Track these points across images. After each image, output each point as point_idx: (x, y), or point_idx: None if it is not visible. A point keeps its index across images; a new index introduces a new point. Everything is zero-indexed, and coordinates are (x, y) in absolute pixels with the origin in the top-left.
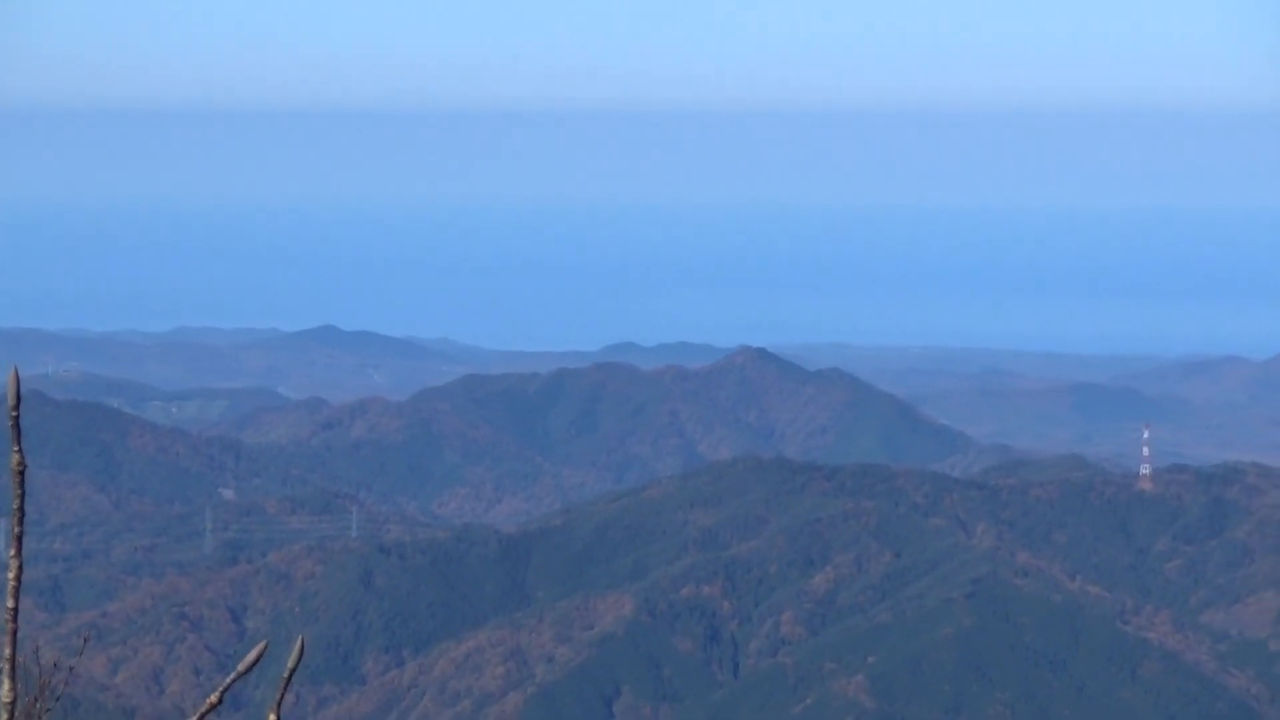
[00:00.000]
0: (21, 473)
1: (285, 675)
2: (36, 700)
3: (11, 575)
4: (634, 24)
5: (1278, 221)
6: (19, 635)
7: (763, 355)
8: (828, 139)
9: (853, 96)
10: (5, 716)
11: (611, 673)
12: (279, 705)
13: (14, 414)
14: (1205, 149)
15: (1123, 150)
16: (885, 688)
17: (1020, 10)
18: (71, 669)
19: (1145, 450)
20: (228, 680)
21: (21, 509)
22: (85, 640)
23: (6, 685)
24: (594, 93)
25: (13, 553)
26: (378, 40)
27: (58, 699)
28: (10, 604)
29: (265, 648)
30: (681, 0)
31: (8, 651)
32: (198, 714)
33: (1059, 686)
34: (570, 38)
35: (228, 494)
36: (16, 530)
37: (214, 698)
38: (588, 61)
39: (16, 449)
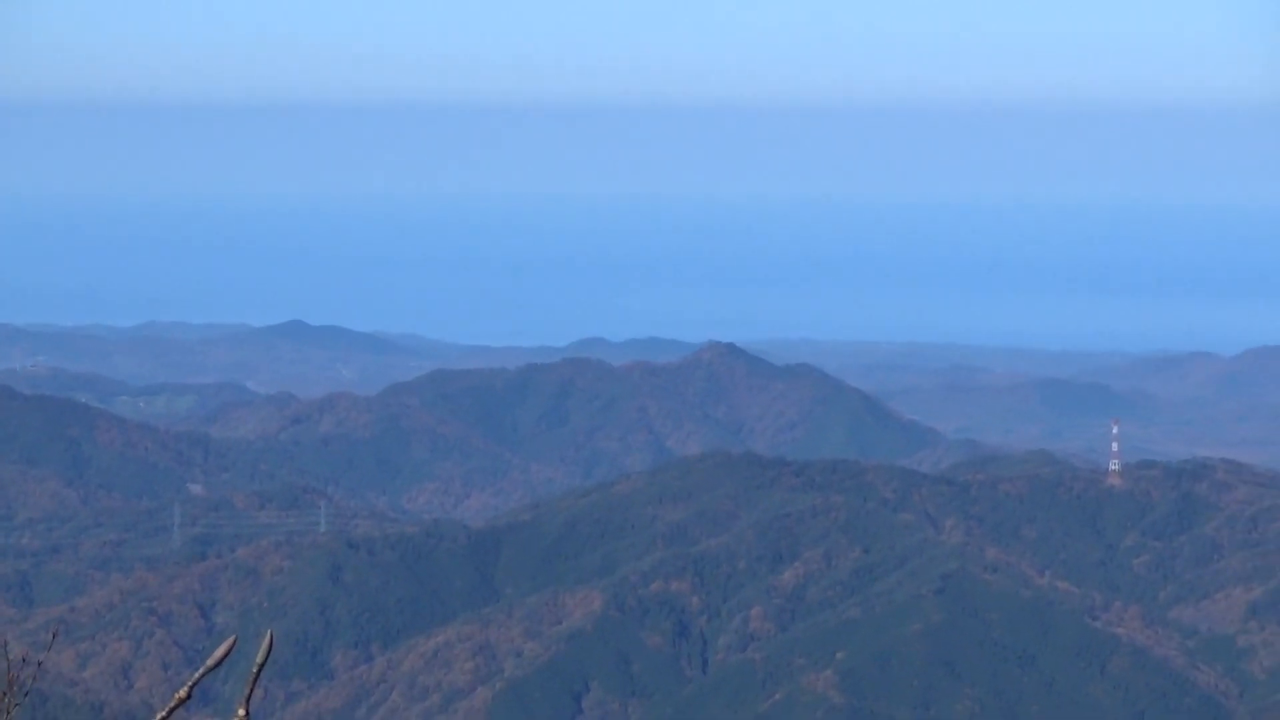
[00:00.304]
0: None
1: (254, 670)
2: (5, 695)
3: None
4: (601, 19)
5: (1245, 218)
6: None
7: (731, 350)
8: (798, 135)
9: (822, 91)
10: None
11: (580, 668)
12: (248, 700)
13: None
14: (1176, 145)
15: (1091, 146)
16: (854, 683)
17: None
18: (40, 664)
19: (1114, 446)
20: (197, 675)
21: None
22: (54, 635)
23: None
24: (563, 88)
25: None
26: (343, 35)
27: (26, 694)
28: None
29: (234, 643)
30: None
31: None
32: (166, 709)
33: (1028, 682)
34: (539, 32)
35: (196, 489)
36: None
37: (183, 692)
38: (554, 56)
39: None
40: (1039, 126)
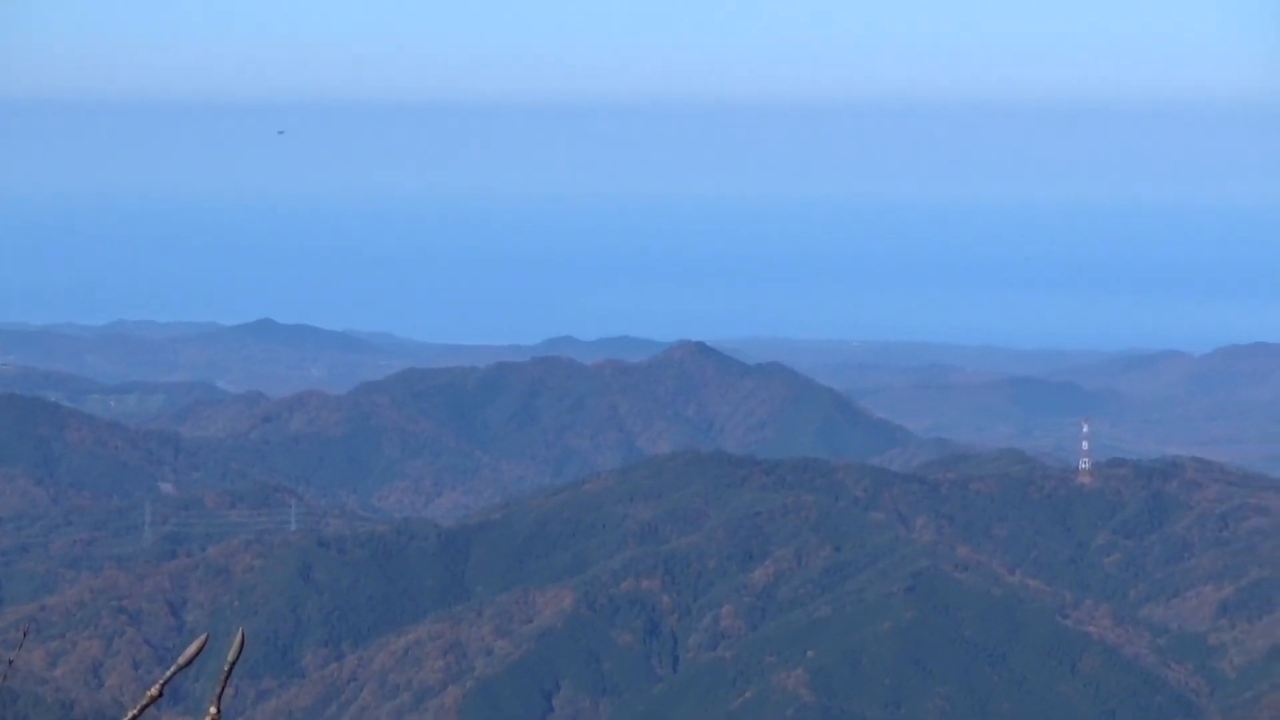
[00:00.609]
0: None
1: (225, 668)
2: None
3: None
4: (573, 16)
5: (1216, 217)
6: None
7: (702, 349)
8: (770, 134)
9: (791, 90)
10: None
11: (551, 666)
12: (219, 698)
13: None
14: (1152, 145)
15: (1062, 145)
16: (825, 681)
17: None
18: (10, 662)
19: (1085, 444)
20: (168, 673)
21: None
22: (24, 634)
23: None
24: (531, 86)
25: None
26: (309, 32)
27: None
28: None
29: (206, 641)
30: None
31: None
32: (138, 707)
33: (999, 680)
34: (509, 30)
35: (166, 488)
36: None
37: (154, 690)
38: (526, 54)
39: None
40: (1012, 125)
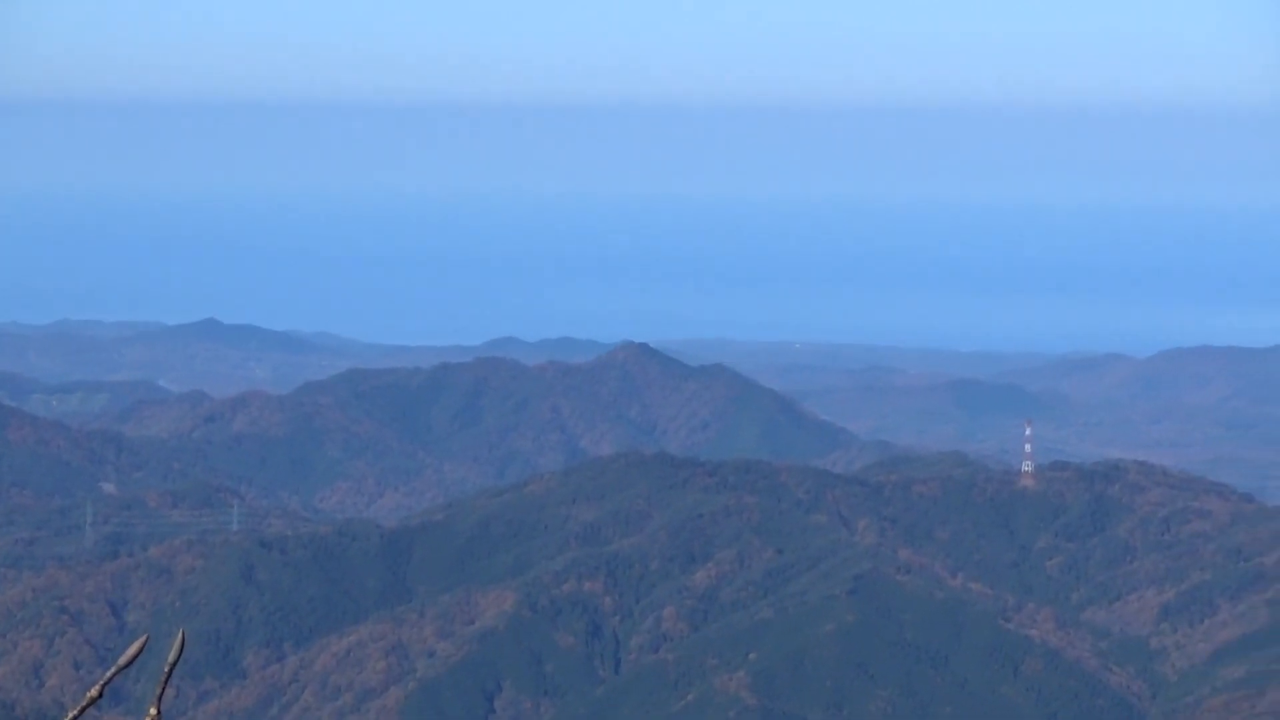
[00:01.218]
0: None
1: (166, 669)
2: None
3: None
4: (515, 18)
5: (1159, 220)
6: None
7: (645, 351)
8: (714, 134)
9: (740, 90)
10: None
11: (493, 668)
12: (159, 699)
13: None
14: (1092, 147)
15: (1007, 147)
16: (767, 684)
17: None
18: None
19: (1027, 447)
20: (108, 674)
21: None
22: None
23: None
24: (478, 85)
25: None
26: (255, 31)
27: None
28: None
29: (146, 641)
30: None
31: None
32: (78, 708)
33: (940, 683)
34: (456, 30)
35: (108, 487)
36: None
37: (94, 691)
38: (466, 53)
39: None
40: (956, 128)
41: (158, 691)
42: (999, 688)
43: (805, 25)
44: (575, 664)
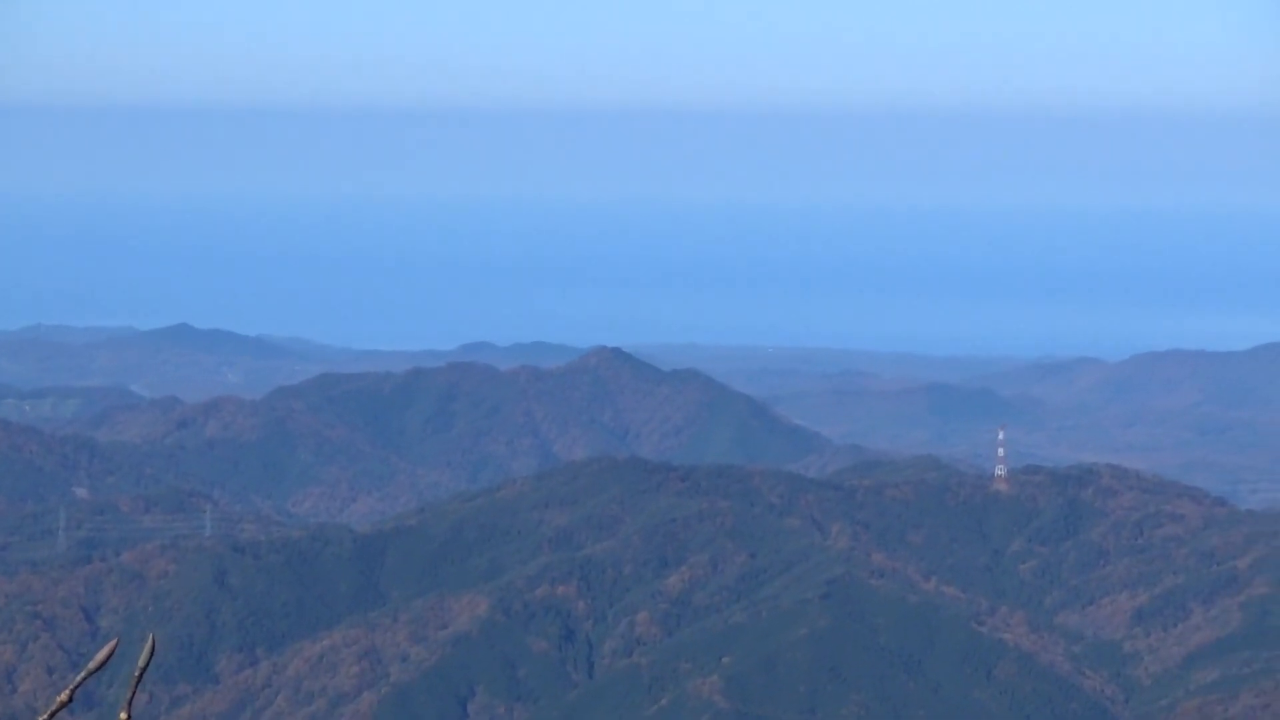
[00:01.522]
0: None
1: (136, 674)
2: None
3: None
4: (492, 22)
5: (1131, 223)
6: None
7: (618, 355)
8: (689, 138)
9: (717, 95)
10: None
11: (466, 672)
12: (130, 704)
13: None
14: (1061, 151)
15: (977, 149)
16: (740, 688)
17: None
18: None
19: (1000, 451)
20: (78, 678)
21: None
22: None
23: None
24: (440, 91)
25: None
26: (236, 37)
27: None
28: None
29: (116, 645)
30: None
31: None
32: (48, 712)
33: (914, 687)
34: (431, 35)
35: (81, 492)
36: None
37: (64, 695)
38: (445, 58)
39: None
40: (920, 129)
41: (128, 695)
42: (972, 692)
43: (799, 29)
44: (548, 668)
